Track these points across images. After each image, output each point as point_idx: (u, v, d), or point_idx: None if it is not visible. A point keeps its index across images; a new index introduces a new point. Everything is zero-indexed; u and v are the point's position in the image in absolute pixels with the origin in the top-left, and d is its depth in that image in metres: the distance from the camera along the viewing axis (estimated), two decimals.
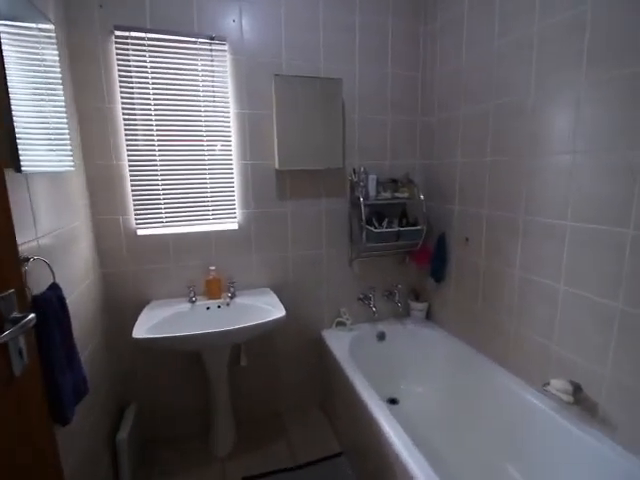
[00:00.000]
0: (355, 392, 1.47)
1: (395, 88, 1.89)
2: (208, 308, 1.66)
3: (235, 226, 1.74)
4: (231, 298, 1.70)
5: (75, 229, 1.34)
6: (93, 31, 1.42)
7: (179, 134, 1.59)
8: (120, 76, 1.47)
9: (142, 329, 1.39)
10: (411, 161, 1.99)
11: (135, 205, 1.58)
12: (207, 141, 1.63)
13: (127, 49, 1.47)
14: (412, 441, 1.17)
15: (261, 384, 1.93)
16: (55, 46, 1.03)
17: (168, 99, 1.55)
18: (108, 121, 1.50)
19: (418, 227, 1.86)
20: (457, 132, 1.72)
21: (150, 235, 1.63)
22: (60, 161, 1.07)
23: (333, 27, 1.73)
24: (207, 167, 1.65)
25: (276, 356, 1.94)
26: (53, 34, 1.04)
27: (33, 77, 0.94)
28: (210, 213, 1.69)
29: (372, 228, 1.80)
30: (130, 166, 1.55)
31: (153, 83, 1.51)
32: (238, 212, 1.74)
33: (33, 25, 0.96)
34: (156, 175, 1.59)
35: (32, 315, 0.57)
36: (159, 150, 1.57)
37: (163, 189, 1.61)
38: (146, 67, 1.50)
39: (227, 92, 1.62)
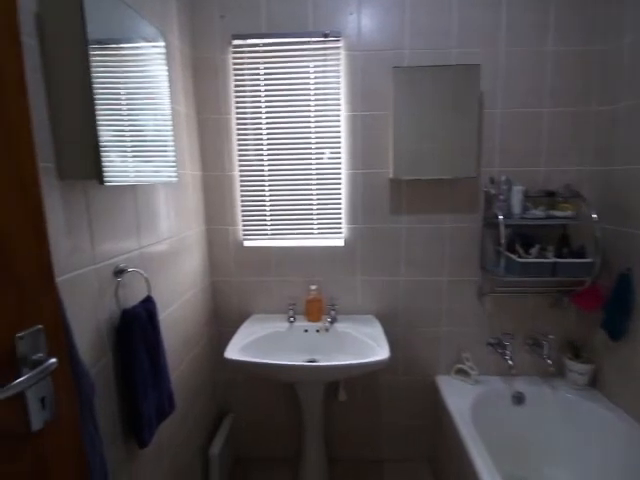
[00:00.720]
0: (473, 468, 1.10)
1: (556, 71, 1.41)
2: (306, 331, 1.52)
3: (341, 242, 1.56)
4: (331, 323, 1.52)
5: (187, 238, 1.37)
6: (213, 43, 1.44)
7: (287, 142, 1.49)
8: (235, 86, 1.46)
9: (236, 348, 1.33)
10: (577, 167, 1.46)
11: (243, 216, 1.56)
12: (315, 149, 1.49)
13: (242, 57, 1.44)
14: None
15: (360, 423, 1.69)
16: (164, 61, 1.03)
17: (279, 106, 1.47)
18: (222, 131, 1.50)
19: (587, 260, 1.34)
20: None
21: (255, 247, 1.58)
22: (163, 172, 1.06)
23: (471, 3, 1.39)
24: (314, 177, 1.51)
25: (379, 396, 1.67)
26: (165, 50, 1.03)
27: (139, 92, 0.93)
28: (315, 227, 1.55)
29: (515, 256, 1.36)
30: (240, 177, 1.53)
31: (265, 90, 1.46)
32: (345, 227, 1.54)
33: (148, 44, 0.97)
34: (263, 186, 1.53)
35: (52, 360, 0.47)
36: (268, 160, 1.50)
37: (270, 200, 1.54)
38: (259, 74, 1.45)
39: (339, 93, 1.45)
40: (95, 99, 0.71)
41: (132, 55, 0.89)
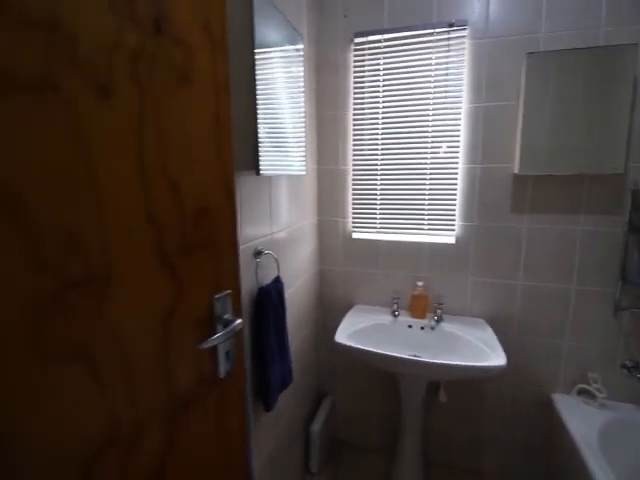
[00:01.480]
0: None
1: None
2: (410, 326, 1.51)
3: (452, 240, 1.51)
4: (437, 321, 1.49)
5: (303, 227, 1.47)
6: (336, 42, 1.51)
7: (403, 136, 1.49)
8: (355, 82, 1.51)
9: (344, 333, 1.39)
10: None
11: (353, 209, 1.61)
12: (432, 142, 1.46)
13: (363, 54, 1.48)
14: None
15: (460, 429, 1.63)
16: (302, 62, 1.12)
17: (397, 100, 1.47)
18: (339, 127, 1.57)
19: None
20: None
21: (363, 239, 1.62)
22: (294, 166, 1.15)
23: None
24: (428, 172, 1.49)
25: (484, 403, 1.58)
26: (302, 52, 1.12)
27: (283, 91, 1.03)
28: (425, 223, 1.52)
29: None
30: (353, 171, 1.58)
31: (384, 86, 1.47)
32: (457, 224, 1.49)
33: (291, 47, 1.07)
34: (375, 180, 1.56)
35: (239, 321, 0.56)
36: (382, 155, 1.53)
37: (381, 194, 1.56)
38: (379, 70, 1.47)
39: (461, 85, 1.40)
40: (257, 98, 0.81)
41: (280, 57, 0.99)
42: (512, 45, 1.33)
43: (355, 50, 1.48)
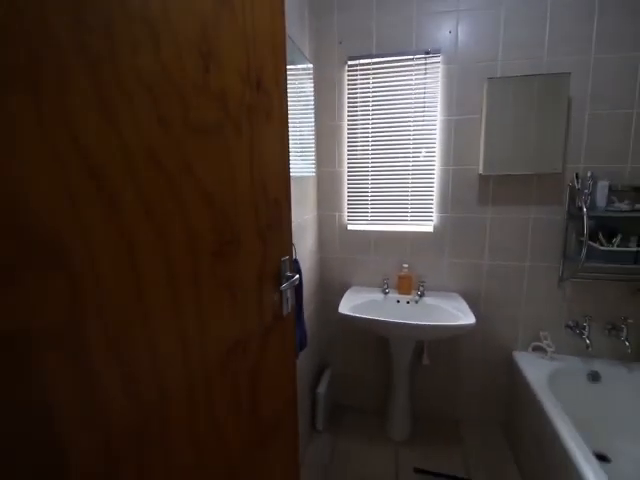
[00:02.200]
0: (554, 431, 1.30)
1: None
2: (398, 301, 1.81)
3: (430, 229, 1.82)
4: (420, 296, 1.79)
5: (307, 220, 1.74)
6: (332, 64, 1.78)
7: (389, 143, 1.79)
8: (348, 98, 1.79)
9: (345, 308, 1.67)
10: None
11: (348, 204, 1.90)
12: (413, 148, 1.77)
13: (356, 75, 1.77)
14: None
15: (441, 387, 1.95)
16: (312, 79, 1.38)
17: (384, 113, 1.77)
18: (336, 135, 1.85)
19: None
20: None
21: (357, 230, 1.91)
22: (306, 168, 1.42)
23: (563, 15, 1.55)
24: (410, 172, 1.79)
25: (459, 364, 1.91)
26: (311, 71, 1.39)
27: (297, 104, 1.30)
28: (409, 215, 1.83)
29: (597, 245, 1.52)
30: (348, 172, 1.86)
31: (373, 101, 1.77)
32: (435, 216, 1.81)
33: (302, 66, 1.33)
34: (367, 180, 1.85)
35: (297, 276, 0.83)
36: (372, 158, 1.82)
37: (371, 191, 1.85)
38: (369, 87, 1.76)
39: (436, 101, 1.71)
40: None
41: (293, 75, 1.25)
42: (476, 70, 1.66)
43: (349, 71, 1.77)
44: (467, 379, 1.92)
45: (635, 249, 1.48)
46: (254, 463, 0.74)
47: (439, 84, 1.70)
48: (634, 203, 1.52)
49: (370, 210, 1.87)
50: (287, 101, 0.82)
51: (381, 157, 1.81)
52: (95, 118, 0.37)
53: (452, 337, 1.72)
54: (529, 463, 1.58)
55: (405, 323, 1.48)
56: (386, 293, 1.84)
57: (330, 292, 1.99)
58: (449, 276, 1.84)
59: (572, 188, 1.63)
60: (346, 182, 1.88)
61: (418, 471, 1.64)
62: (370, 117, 1.79)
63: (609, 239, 1.54)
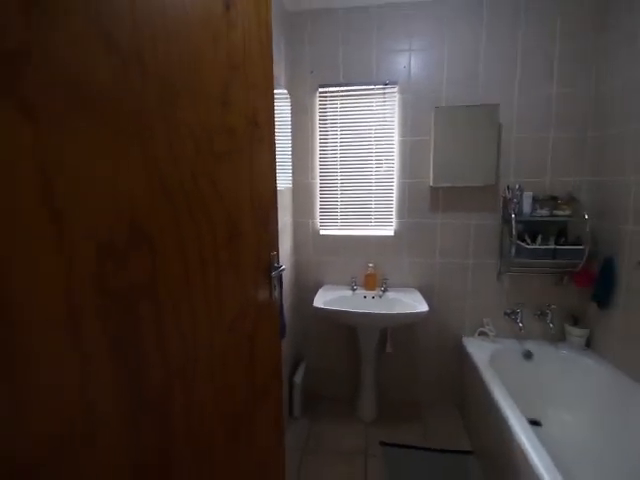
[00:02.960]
0: (493, 401, 1.56)
1: (559, 107, 1.89)
2: (365, 297, 2.07)
3: (392, 233, 2.10)
4: (383, 292, 2.06)
5: (284, 227, 1.96)
6: (305, 90, 2.04)
7: (354, 158, 2.07)
8: (319, 120, 2.06)
9: (319, 302, 1.90)
10: (575, 178, 1.92)
11: (320, 212, 2.14)
12: (375, 163, 2.05)
13: (325, 100, 2.04)
14: (555, 467, 1.14)
15: (402, 372, 2.21)
16: (289, 103, 1.63)
17: (350, 133, 2.05)
18: (309, 151, 2.10)
19: (579, 247, 1.80)
20: (636, 147, 1.61)
21: (328, 235, 2.16)
22: (284, 180, 1.66)
23: (493, 59, 1.90)
24: (373, 184, 2.07)
25: (418, 351, 2.19)
26: (288, 96, 1.64)
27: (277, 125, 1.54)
28: (372, 221, 2.11)
29: (524, 244, 1.85)
30: (320, 183, 2.12)
31: (341, 123, 2.04)
32: (395, 221, 2.09)
33: (280, 91, 1.57)
34: (336, 190, 2.11)
35: (284, 266, 1.05)
36: (340, 171, 2.09)
37: (341, 201, 2.11)
38: (337, 111, 2.04)
39: (393, 124, 2.01)
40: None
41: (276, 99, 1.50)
42: (426, 99, 1.98)
43: (320, 97, 2.03)
44: (426, 365, 2.19)
45: (553, 247, 1.82)
46: (250, 419, 0.95)
47: (396, 110, 2.01)
48: (552, 209, 1.88)
49: (340, 217, 2.13)
50: (275, 132, 1.05)
51: (348, 171, 2.08)
52: (164, 148, 0.58)
53: (410, 324, 1.99)
54: (476, 431, 1.87)
55: (370, 312, 1.73)
56: (354, 290, 2.09)
57: (305, 290, 2.21)
58: (408, 274, 2.13)
59: (505, 198, 1.97)
60: (318, 192, 2.13)
61: (384, 444, 1.88)
62: (338, 136, 2.06)
63: (533, 239, 1.88)
